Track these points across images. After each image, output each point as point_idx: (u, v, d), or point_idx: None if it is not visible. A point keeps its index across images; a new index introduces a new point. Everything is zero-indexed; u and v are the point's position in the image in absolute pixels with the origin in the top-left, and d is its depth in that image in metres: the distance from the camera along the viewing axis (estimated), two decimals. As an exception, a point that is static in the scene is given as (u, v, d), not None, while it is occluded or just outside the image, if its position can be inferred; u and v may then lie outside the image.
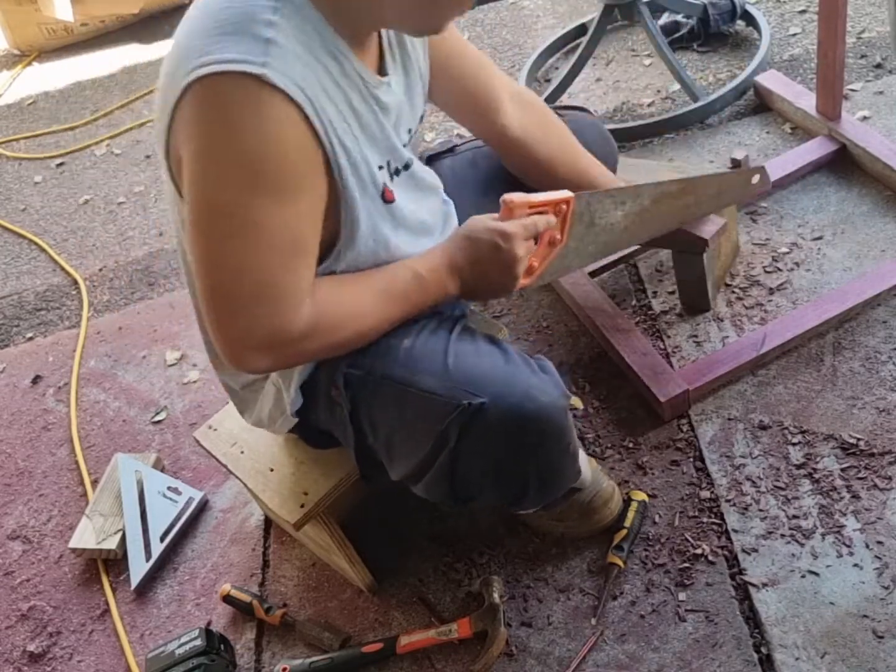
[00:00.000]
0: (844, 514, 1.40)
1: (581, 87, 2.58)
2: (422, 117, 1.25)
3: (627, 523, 1.45)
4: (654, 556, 1.44)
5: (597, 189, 1.42)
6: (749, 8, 2.51)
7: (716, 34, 2.56)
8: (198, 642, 1.41)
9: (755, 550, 1.40)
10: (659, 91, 2.48)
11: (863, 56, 2.33)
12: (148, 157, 2.97)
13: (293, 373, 1.20)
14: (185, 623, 1.57)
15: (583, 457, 1.38)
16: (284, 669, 1.41)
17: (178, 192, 1.06)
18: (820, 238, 1.87)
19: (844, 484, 1.44)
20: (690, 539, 1.44)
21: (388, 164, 1.13)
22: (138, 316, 2.30)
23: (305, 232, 1.03)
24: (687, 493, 1.51)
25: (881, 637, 1.25)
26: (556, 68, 2.70)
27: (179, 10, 3.86)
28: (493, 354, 1.16)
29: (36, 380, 2.19)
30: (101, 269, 2.53)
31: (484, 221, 1.17)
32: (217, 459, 1.47)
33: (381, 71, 1.12)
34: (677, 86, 2.42)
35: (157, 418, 1.98)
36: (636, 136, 2.30)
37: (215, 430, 1.51)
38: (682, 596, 1.38)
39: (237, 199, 0.97)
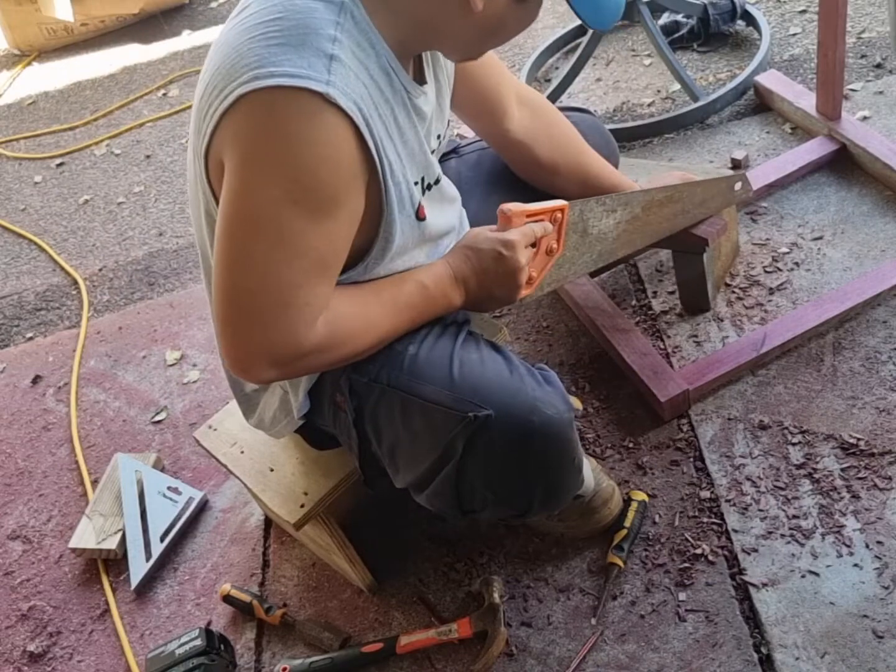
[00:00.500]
0: (844, 514, 1.40)
1: (581, 87, 2.58)
2: (448, 122, 1.26)
3: (627, 523, 1.45)
4: (654, 556, 1.44)
5: (606, 192, 1.42)
6: (749, 8, 2.51)
7: (716, 34, 2.56)
8: (198, 642, 1.41)
9: (755, 550, 1.40)
10: (659, 91, 2.48)
11: (863, 56, 2.33)
12: (148, 157, 2.97)
13: (301, 378, 1.20)
14: (185, 623, 1.57)
15: (585, 463, 1.38)
16: (284, 669, 1.41)
17: (212, 192, 1.05)
18: (820, 238, 1.87)
19: (844, 484, 1.44)
20: (690, 539, 1.44)
21: (423, 179, 1.13)
22: (138, 316, 2.30)
23: (336, 252, 1.03)
24: (687, 493, 1.51)
25: (881, 637, 1.25)
26: (556, 68, 2.70)
27: (179, 10, 3.87)
28: (498, 364, 1.15)
29: (36, 380, 2.19)
30: (101, 269, 2.53)
31: (484, 232, 1.18)
32: (217, 459, 1.47)
33: (420, 78, 1.13)
34: (677, 86, 2.42)
35: (157, 418, 1.98)
36: (636, 136, 2.30)
37: (215, 430, 1.51)
38: (682, 596, 1.38)
39: (278, 211, 0.96)
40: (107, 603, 1.64)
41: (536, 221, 1.20)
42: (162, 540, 1.69)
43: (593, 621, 1.38)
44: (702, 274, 1.69)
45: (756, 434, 1.55)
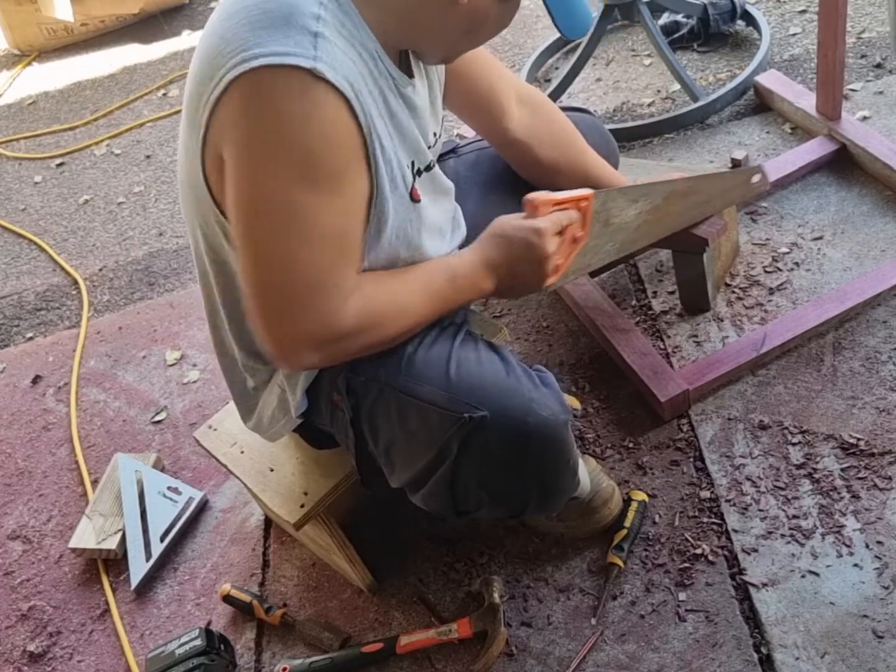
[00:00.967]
0: (844, 514, 1.40)
1: (581, 87, 2.58)
2: (443, 120, 1.26)
3: (627, 523, 1.45)
4: (654, 556, 1.44)
5: (596, 179, 1.43)
6: (749, 8, 2.51)
7: (716, 34, 2.56)
8: (198, 642, 1.41)
9: (755, 550, 1.40)
10: (659, 91, 2.48)
11: (863, 56, 2.33)
12: (148, 157, 2.97)
13: (299, 376, 1.20)
14: (185, 623, 1.57)
15: (581, 466, 1.38)
16: (284, 669, 1.41)
17: (206, 186, 1.04)
18: (820, 238, 1.87)
19: (844, 484, 1.44)
20: (690, 539, 1.44)
21: (413, 163, 1.13)
22: (138, 316, 2.30)
23: (352, 226, 1.03)
24: (687, 493, 1.51)
25: (881, 637, 1.25)
26: (556, 68, 2.70)
27: (179, 10, 3.87)
28: (495, 365, 1.15)
29: (36, 380, 2.19)
30: (101, 269, 2.53)
31: (512, 220, 1.18)
32: (217, 459, 1.47)
33: (407, 72, 1.13)
34: (677, 86, 2.42)
35: (157, 418, 1.98)
36: (636, 136, 2.30)
37: (215, 430, 1.51)
38: (682, 596, 1.38)
39: (288, 194, 0.96)
40: (107, 603, 1.64)
41: (562, 210, 1.21)
42: (162, 540, 1.69)
43: (593, 621, 1.38)
44: (702, 274, 1.69)
45: (756, 434, 1.55)
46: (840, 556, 1.36)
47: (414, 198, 1.13)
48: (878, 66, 2.28)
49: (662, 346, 1.76)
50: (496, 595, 1.40)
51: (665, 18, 2.62)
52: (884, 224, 1.85)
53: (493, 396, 1.10)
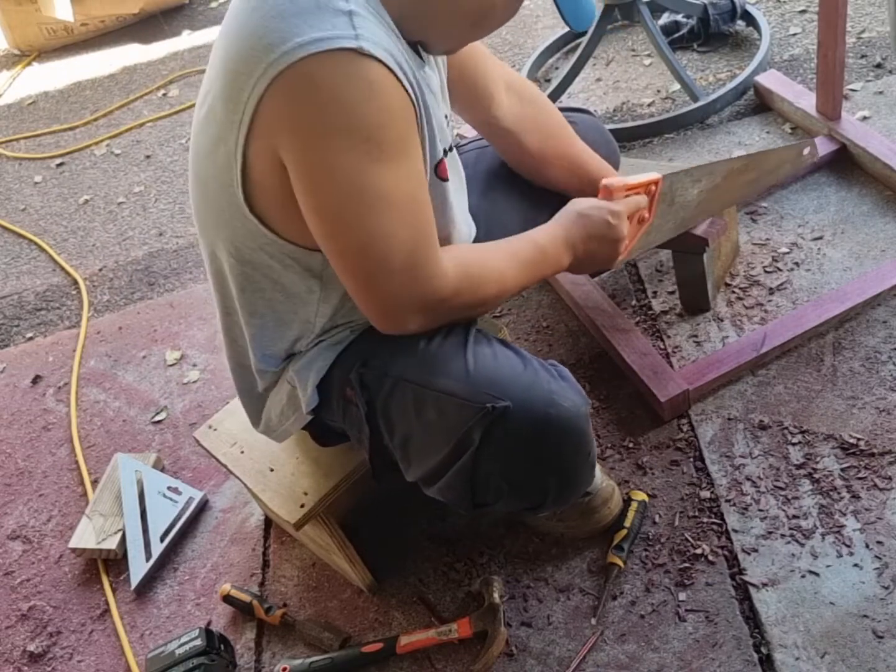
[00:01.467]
0: (844, 514, 1.40)
1: (581, 87, 2.58)
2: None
3: (627, 523, 1.45)
4: (654, 556, 1.44)
5: (593, 181, 1.43)
6: (749, 8, 2.51)
7: (716, 34, 2.57)
8: (198, 642, 1.41)
9: (755, 550, 1.40)
10: (659, 91, 2.48)
11: (863, 56, 2.33)
12: (148, 157, 2.97)
13: (310, 371, 1.20)
14: (185, 623, 1.57)
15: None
16: (284, 669, 1.41)
17: (241, 184, 1.04)
18: (820, 238, 1.87)
19: (844, 484, 1.44)
20: (690, 539, 1.44)
21: (440, 143, 1.15)
22: (138, 316, 2.30)
23: (424, 189, 1.06)
24: (687, 493, 1.51)
25: (881, 637, 1.25)
26: (556, 68, 2.70)
27: (179, 10, 3.87)
28: (512, 359, 1.15)
29: (36, 380, 2.19)
30: (101, 269, 2.53)
31: (592, 200, 1.25)
32: (217, 459, 1.47)
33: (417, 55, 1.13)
34: (677, 86, 2.42)
35: (157, 418, 1.98)
36: (636, 136, 2.30)
37: (215, 430, 1.51)
38: (682, 596, 1.38)
39: (366, 174, 0.98)
40: (107, 603, 1.64)
41: (635, 194, 1.29)
42: (162, 540, 1.69)
43: (593, 621, 1.38)
44: (702, 274, 1.69)
45: (756, 434, 1.55)
46: (840, 556, 1.36)
47: (441, 175, 1.15)
48: (878, 66, 2.28)
49: (662, 346, 1.76)
50: (496, 595, 1.40)
51: (665, 18, 2.62)
52: (884, 224, 1.85)
53: (514, 388, 1.11)
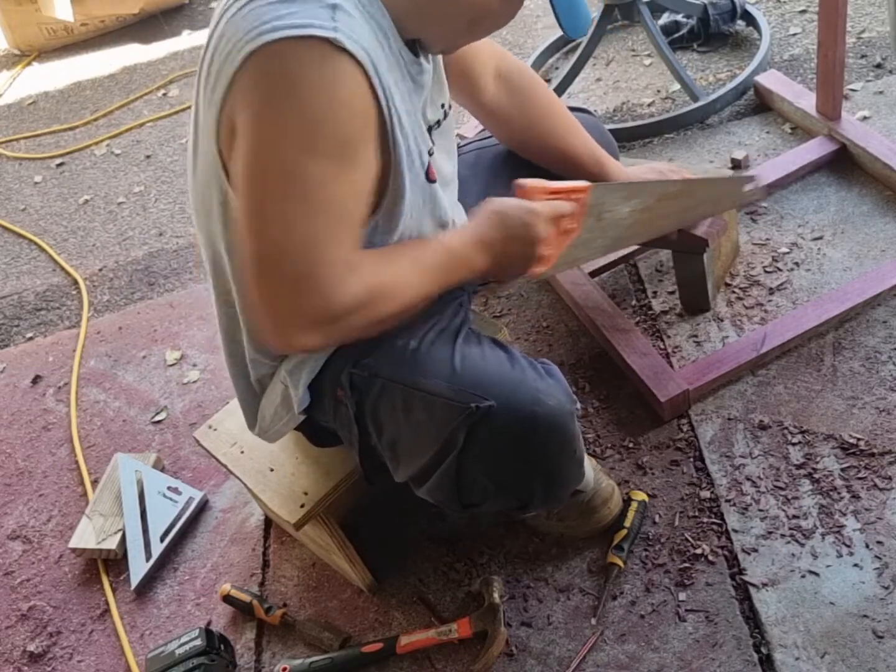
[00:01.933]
0: (844, 514, 1.40)
1: (581, 87, 2.58)
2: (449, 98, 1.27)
3: (627, 523, 1.45)
4: (654, 556, 1.44)
5: (582, 167, 1.43)
6: (749, 8, 2.51)
7: (716, 34, 2.57)
8: (198, 642, 1.41)
9: (755, 550, 1.40)
10: (659, 91, 2.48)
11: (863, 56, 2.33)
12: (148, 157, 2.97)
13: (301, 371, 1.20)
14: (185, 623, 1.57)
15: (586, 458, 1.38)
16: (284, 669, 1.41)
17: (223, 168, 1.04)
18: (820, 238, 1.87)
19: (844, 484, 1.44)
20: (690, 539, 1.44)
21: (423, 143, 1.14)
22: (138, 316, 2.30)
23: (357, 201, 1.02)
24: (687, 493, 1.51)
25: (881, 637, 1.25)
26: (556, 68, 2.70)
27: (179, 10, 3.87)
28: (500, 358, 1.16)
29: (36, 380, 2.19)
30: (101, 269, 2.53)
31: (510, 200, 1.18)
32: (217, 459, 1.47)
33: (413, 50, 1.13)
34: (677, 86, 2.42)
35: (157, 418, 1.98)
36: (636, 136, 2.30)
37: (215, 430, 1.51)
38: (682, 596, 1.38)
39: (297, 159, 0.95)
40: (107, 603, 1.64)
41: (555, 200, 1.22)
42: (162, 540, 1.69)
43: (593, 621, 1.38)
44: (702, 274, 1.69)
45: (756, 434, 1.55)
46: (840, 556, 1.36)
47: (430, 178, 1.14)
48: (878, 66, 2.28)
49: (662, 346, 1.76)
50: (496, 595, 1.40)
51: (665, 18, 2.62)
52: (884, 224, 1.85)
53: (499, 387, 1.11)
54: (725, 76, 2.44)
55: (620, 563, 1.42)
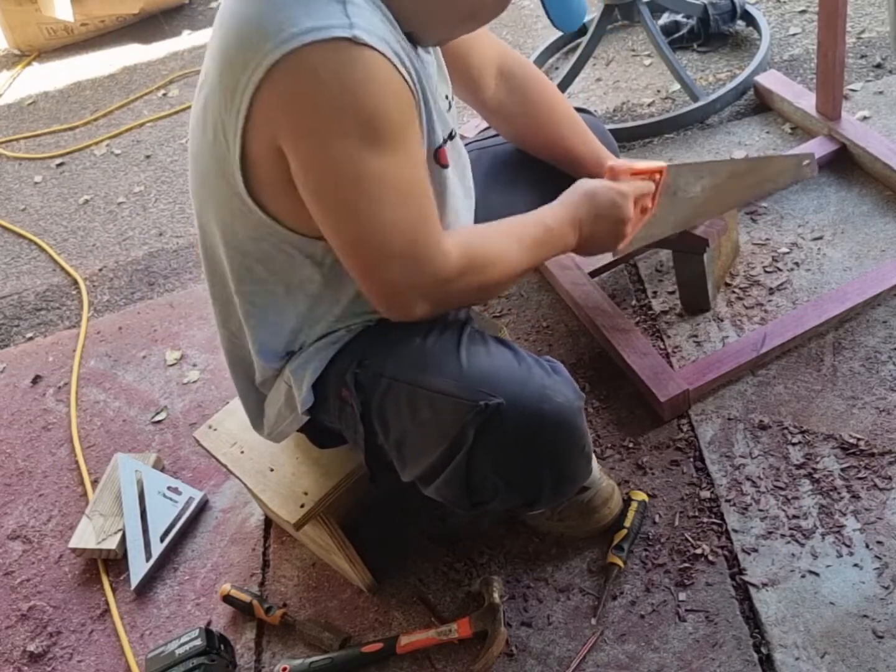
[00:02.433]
0: (844, 514, 1.40)
1: (581, 87, 2.58)
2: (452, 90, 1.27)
3: (627, 523, 1.45)
4: (654, 556, 1.44)
5: (583, 165, 1.44)
6: (749, 8, 2.51)
7: (716, 34, 2.57)
8: (198, 642, 1.41)
9: (755, 550, 1.40)
10: (659, 91, 2.48)
11: (863, 56, 2.33)
12: (148, 157, 2.97)
13: (306, 371, 1.20)
14: (185, 623, 1.57)
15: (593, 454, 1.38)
16: (284, 669, 1.41)
17: (242, 174, 1.04)
18: (820, 238, 1.87)
19: (844, 484, 1.44)
20: (690, 539, 1.44)
21: (440, 130, 1.15)
22: (138, 316, 2.30)
23: (424, 175, 1.06)
24: (687, 493, 1.51)
25: (881, 637, 1.25)
26: (556, 68, 2.70)
27: (179, 10, 3.87)
28: (506, 355, 1.16)
29: (36, 380, 2.19)
30: (101, 269, 2.53)
31: (598, 180, 1.26)
32: (217, 459, 1.47)
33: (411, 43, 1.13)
34: (677, 86, 2.42)
35: (157, 418, 1.98)
36: (636, 136, 2.30)
37: (215, 430, 1.51)
38: (682, 596, 1.38)
39: (361, 160, 0.98)
40: (107, 603, 1.64)
41: (638, 180, 1.30)
42: (162, 540, 1.69)
43: (593, 621, 1.38)
44: (702, 274, 1.69)
45: (756, 434, 1.55)
46: (840, 556, 1.36)
47: (441, 162, 1.15)
48: (878, 66, 2.28)
49: (662, 346, 1.76)
50: (496, 595, 1.40)
51: (665, 18, 2.62)
52: (884, 224, 1.85)
53: (506, 384, 1.11)
54: (725, 76, 2.44)
55: (620, 563, 1.42)
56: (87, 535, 1.72)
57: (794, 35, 2.51)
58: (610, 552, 1.43)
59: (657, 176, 1.33)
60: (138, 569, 1.65)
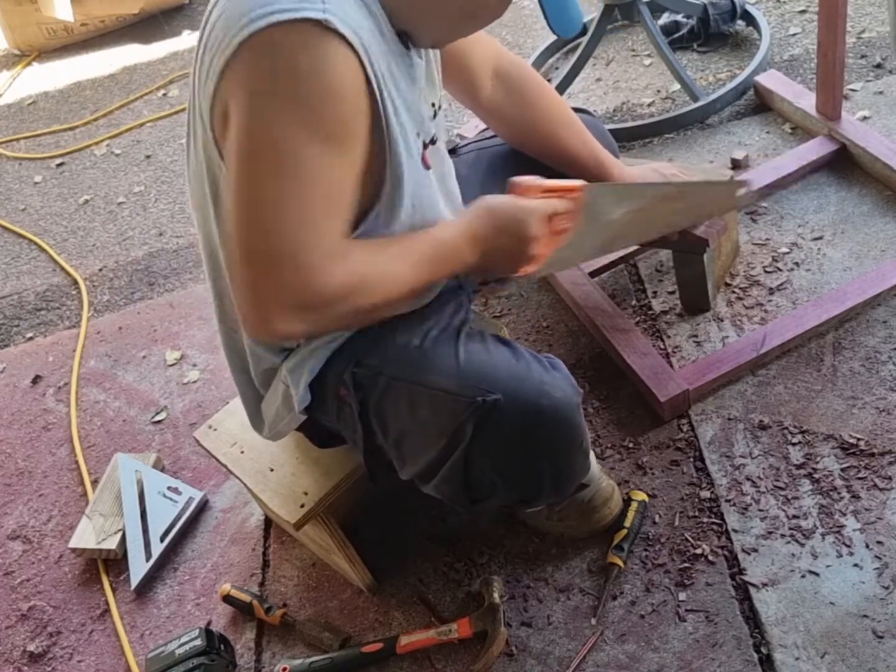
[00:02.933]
0: (844, 514, 1.40)
1: (581, 87, 2.58)
2: (441, 94, 1.26)
3: (627, 523, 1.45)
4: (654, 556, 1.44)
5: (581, 166, 1.43)
6: (749, 8, 2.51)
7: (716, 34, 2.56)
8: (198, 642, 1.41)
9: (755, 550, 1.40)
10: (659, 91, 2.48)
11: (863, 56, 2.33)
12: (148, 157, 2.97)
13: (303, 370, 1.20)
14: (185, 623, 1.57)
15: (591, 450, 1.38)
16: (284, 669, 1.41)
17: (219, 155, 1.03)
18: (820, 238, 1.87)
19: (844, 484, 1.44)
20: (690, 539, 1.44)
21: (418, 133, 1.13)
22: (138, 316, 2.30)
23: (346, 189, 1.01)
24: (687, 493, 1.51)
25: (881, 637, 1.25)
26: (556, 68, 2.70)
27: (179, 10, 3.87)
28: (504, 352, 1.16)
29: (36, 380, 2.19)
30: (101, 269, 2.53)
31: (503, 196, 1.17)
32: (217, 459, 1.47)
33: (404, 45, 1.12)
34: (677, 86, 2.42)
35: (157, 418, 1.98)
36: (636, 136, 2.30)
37: (215, 430, 1.51)
38: (682, 596, 1.38)
39: (289, 140, 0.95)
40: (107, 603, 1.64)
41: (549, 198, 1.20)
42: (162, 540, 1.69)
43: (593, 621, 1.38)
44: (702, 274, 1.69)
45: (756, 434, 1.55)
46: (840, 556, 1.36)
47: (426, 164, 1.13)
48: (878, 66, 2.28)
49: (662, 346, 1.76)
50: (496, 595, 1.40)
51: (665, 18, 2.62)
52: (884, 224, 1.85)
53: (504, 380, 1.11)
54: (725, 76, 2.44)
55: (620, 563, 1.42)
56: (87, 535, 1.72)
57: (794, 35, 2.51)
58: (610, 552, 1.43)
59: (573, 195, 1.21)
60: (138, 569, 1.65)
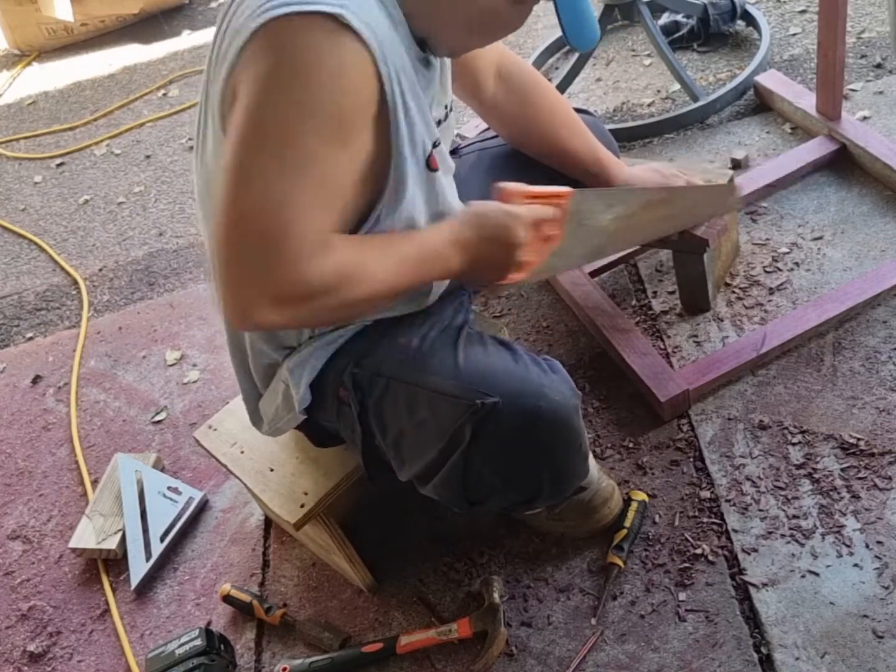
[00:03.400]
0: (844, 514, 1.40)
1: (581, 87, 2.58)
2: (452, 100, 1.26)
3: (627, 523, 1.45)
4: (654, 556, 1.44)
5: (581, 166, 1.43)
6: (749, 8, 2.51)
7: (716, 34, 2.57)
8: (198, 642, 1.41)
9: (755, 550, 1.40)
10: (659, 91, 2.48)
11: (863, 56, 2.33)
12: (148, 157, 2.97)
13: (304, 370, 1.20)
14: (185, 623, 1.57)
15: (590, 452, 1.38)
16: (284, 669, 1.41)
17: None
18: (820, 238, 1.87)
19: (844, 484, 1.44)
20: (690, 539, 1.44)
21: (427, 136, 1.13)
22: (138, 316, 2.30)
23: (342, 181, 1.00)
24: (687, 493, 1.51)
25: (881, 637, 1.25)
26: (556, 68, 2.70)
27: (179, 10, 3.87)
28: (503, 354, 1.16)
29: (36, 380, 2.19)
30: (101, 269, 2.53)
31: (491, 202, 1.16)
32: (217, 459, 1.47)
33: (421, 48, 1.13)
34: (677, 86, 2.42)
35: (157, 418, 1.98)
36: (636, 136, 2.30)
37: (215, 430, 1.51)
38: (682, 596, 1.38)
39: (292, 122, 0.94)
40: (107, 603, 1.64)
41: (535, 204, 1.18)
42: (162, 540, 1.69)
43: (593, 621, 1.38)
44: (702, 274, 1.69)
45: (756, 434, 1.55)
46: (840, 556, 1.36)
47: (431, 166, 1.13)
48: (878, 66, 2.28)
49: (662, 346, 1.76)
50: (496, 595, 1.40)
51: (665, 18, 2.62)
52: (884, 224, 1.85)
53: (503, 382, 1.11)
54: (725, 76, 2.44)
55: (620, 563, 1.42)
56: (87, 535, 1.72)
57: (794, 35, 2.51)
58: (610, 552, 1.43)
59: (560, 201, 1.20)
60: (138, 569, 1.65)
